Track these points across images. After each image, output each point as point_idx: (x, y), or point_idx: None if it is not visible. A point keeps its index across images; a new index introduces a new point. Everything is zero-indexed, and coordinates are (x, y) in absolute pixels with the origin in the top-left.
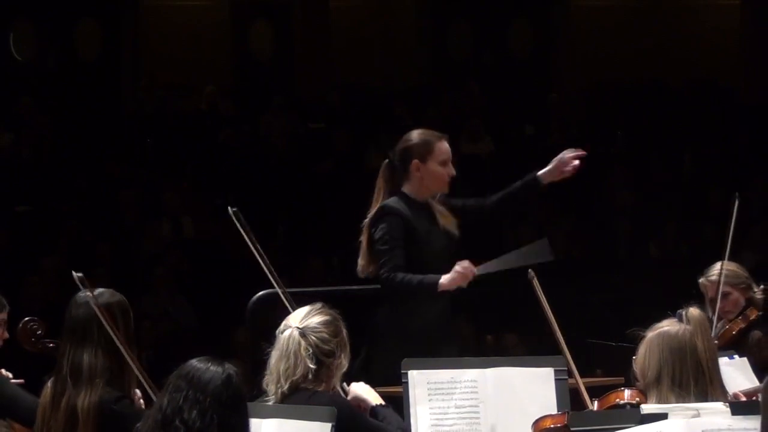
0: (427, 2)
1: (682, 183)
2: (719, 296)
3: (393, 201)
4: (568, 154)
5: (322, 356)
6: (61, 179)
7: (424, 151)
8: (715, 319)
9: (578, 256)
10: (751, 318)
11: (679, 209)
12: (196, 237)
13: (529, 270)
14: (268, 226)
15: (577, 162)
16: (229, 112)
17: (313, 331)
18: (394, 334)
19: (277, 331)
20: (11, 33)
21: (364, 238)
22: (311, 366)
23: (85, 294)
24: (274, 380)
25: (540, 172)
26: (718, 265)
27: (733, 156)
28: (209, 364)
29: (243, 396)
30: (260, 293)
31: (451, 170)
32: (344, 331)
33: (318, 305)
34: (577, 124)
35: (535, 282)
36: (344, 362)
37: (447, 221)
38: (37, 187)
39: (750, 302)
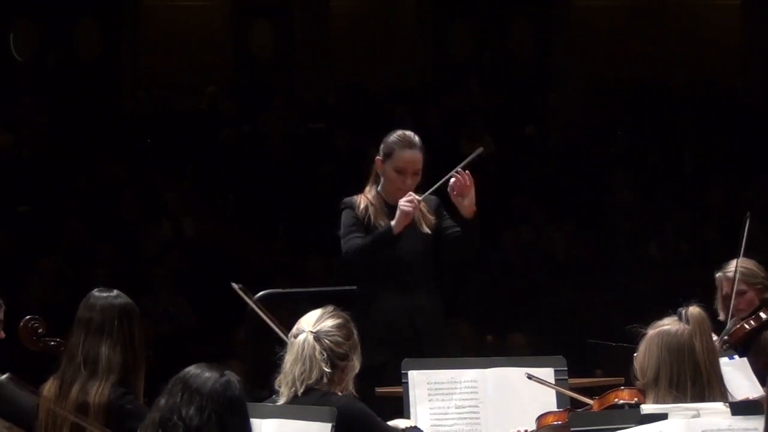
0: (427, 2)
1: (682, 183)
2: (734, 293)
3: (365, 194)
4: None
5: (336, 359)
6: (61, 179)
7: (387, 151)
8: (721, 314)
9: (578, 256)
10: (763, 319)
11: (679, 209)
12: (196, 237)
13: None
14: (268, 226)
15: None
16: (229, 112)
17: (326, 335)
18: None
19: (289, 335)
20: (11, 33)
21: None
22: (326, 370)
23: (99, 293)
24: (288, 383)
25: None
26: (735, 261)
27: (733, 156)
28: (206, 369)
29: (242, 401)
30: (260, 293)
31: (408, 182)
32: (355, 333)
33: (329, 308)
34: (577, 124)
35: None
36: (356, 364)
37: (428, 222)
38: (37, 187)
39: (764, 303)
